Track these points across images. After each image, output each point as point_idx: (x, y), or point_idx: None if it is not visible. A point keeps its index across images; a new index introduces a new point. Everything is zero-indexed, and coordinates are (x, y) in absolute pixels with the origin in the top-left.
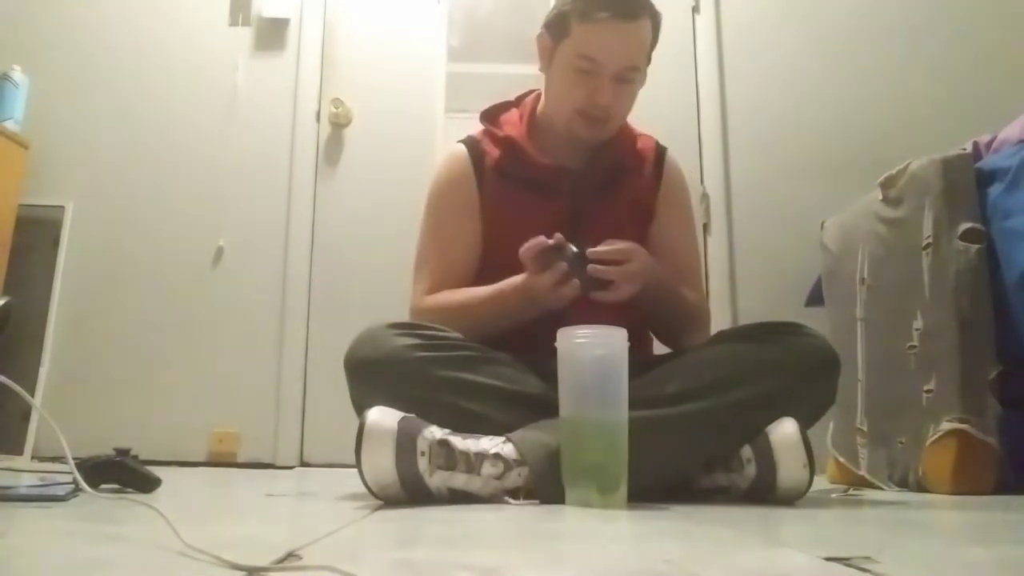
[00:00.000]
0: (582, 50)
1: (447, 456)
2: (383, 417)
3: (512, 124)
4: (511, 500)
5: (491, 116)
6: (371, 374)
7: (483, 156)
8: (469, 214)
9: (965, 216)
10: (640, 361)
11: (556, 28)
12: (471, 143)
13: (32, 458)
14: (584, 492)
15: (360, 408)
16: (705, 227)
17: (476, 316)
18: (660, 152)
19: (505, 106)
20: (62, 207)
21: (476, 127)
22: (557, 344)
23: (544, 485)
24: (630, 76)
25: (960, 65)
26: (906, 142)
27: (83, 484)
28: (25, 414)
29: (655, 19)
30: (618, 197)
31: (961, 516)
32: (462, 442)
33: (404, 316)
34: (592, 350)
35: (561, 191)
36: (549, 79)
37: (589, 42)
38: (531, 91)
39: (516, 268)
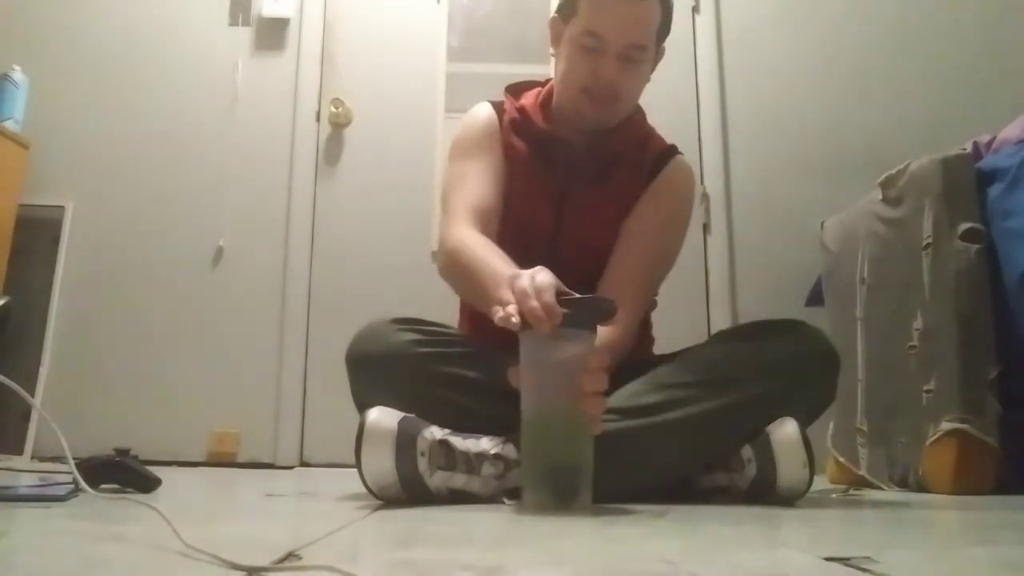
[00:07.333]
0: (588, 26)
1: (447, 456)
2: (383, 417)
3: (529, 97)
4: (507, 500)
5: (514, 89)
6: (372, 369)
7: (503, 114)
8: (495, 156)
9: (965, 216)
10: (640, 361)
11: (566, 8)
12: (493, 103)
13: (32, 458)
14: (541, 494)
15: (361, 404)
16: (705, 227)
17: (471, 284)
18: (666, 153)
19: (530, 84)
20: (62, 207)
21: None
22: (520, 339)
23: None
24: (635, 55)
25: (960, 65)
26: (906, 142)
27: (83, 484)
28: (25, 414)
29: (665, 3)
30: (608, 188)
31: (961, 516)
32: (462, 442)
33: (404, 315)
34: (557, 343)
35: (556, 167)
36: (558, 59)
37: (594, 18)
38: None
39: (504, 231)
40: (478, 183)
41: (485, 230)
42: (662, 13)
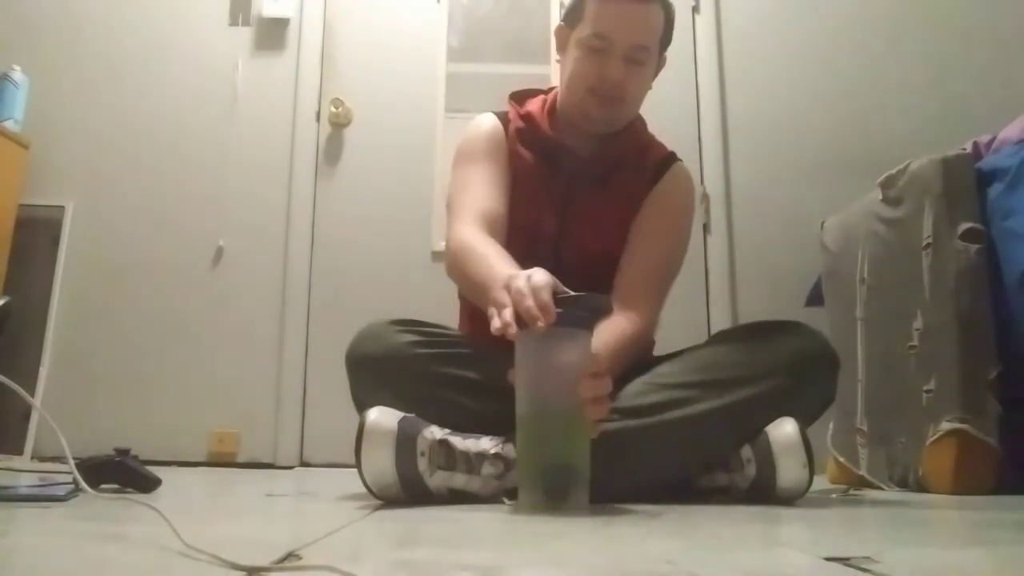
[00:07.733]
0: (595, 28)
1: (447, 456)
2: (383, 417)
3: (534, 104)
4: (507, 500)
5: (519, 96)
6: (372, 370)
7: (508, 123)
8: (500, 164)
9: (965, 216)
10: (640, 362)
11: (572, 14)
12: (498, 113)
13: (32, 458)
14: (535, 495)
15: (360, 404)
16: (705, 227)
17: (473, 283)
18: (667, 159)
19: (534, 92)
20: (62, 207)
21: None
22: (516, 339)
23: None
24: (640, 56)
25: (960, 65)
26: (906, 142)
27: (83, 484)
28: (25, 414)
29: (667, 9)
30: (610, 193)
31: (961, 516)
32: (462, 442)
33: (404, 315)
34: (551, 343)
35: (561, 172)
36: (564, 64)
37: (601, 19)
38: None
39: (509, 238)
40: (483, 188)
41: (492, 233)
42: (665, 20)
